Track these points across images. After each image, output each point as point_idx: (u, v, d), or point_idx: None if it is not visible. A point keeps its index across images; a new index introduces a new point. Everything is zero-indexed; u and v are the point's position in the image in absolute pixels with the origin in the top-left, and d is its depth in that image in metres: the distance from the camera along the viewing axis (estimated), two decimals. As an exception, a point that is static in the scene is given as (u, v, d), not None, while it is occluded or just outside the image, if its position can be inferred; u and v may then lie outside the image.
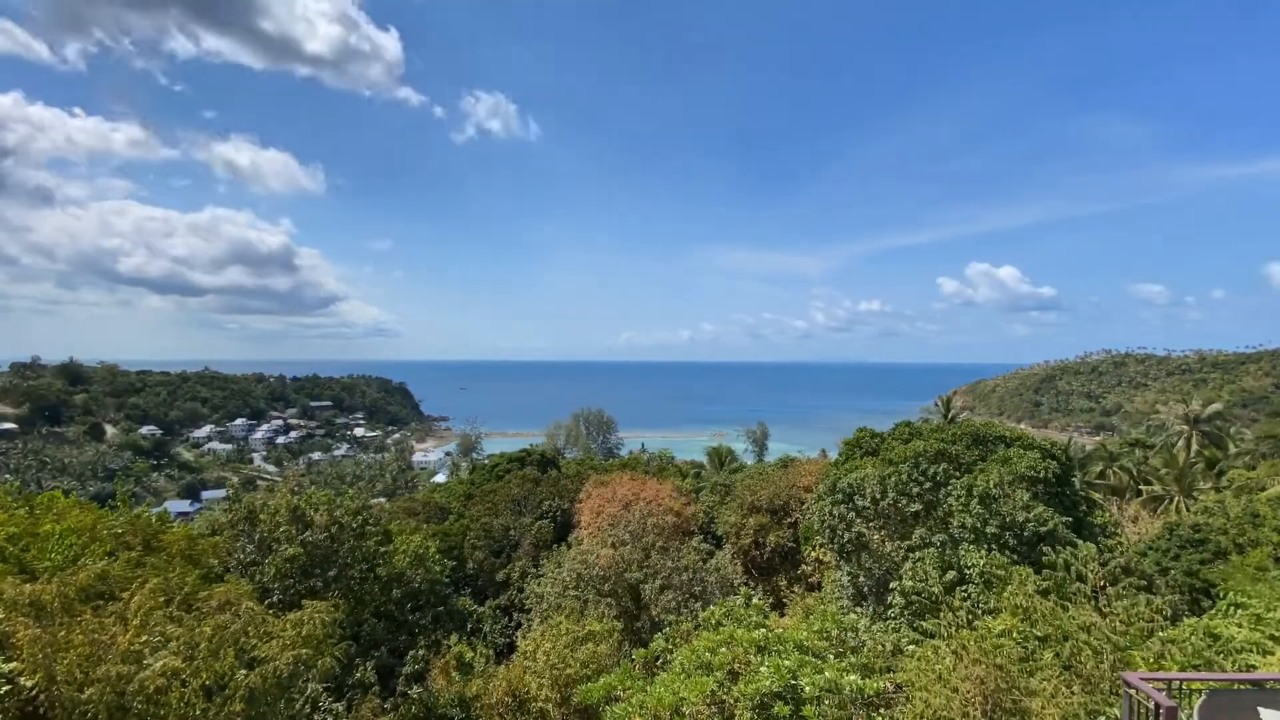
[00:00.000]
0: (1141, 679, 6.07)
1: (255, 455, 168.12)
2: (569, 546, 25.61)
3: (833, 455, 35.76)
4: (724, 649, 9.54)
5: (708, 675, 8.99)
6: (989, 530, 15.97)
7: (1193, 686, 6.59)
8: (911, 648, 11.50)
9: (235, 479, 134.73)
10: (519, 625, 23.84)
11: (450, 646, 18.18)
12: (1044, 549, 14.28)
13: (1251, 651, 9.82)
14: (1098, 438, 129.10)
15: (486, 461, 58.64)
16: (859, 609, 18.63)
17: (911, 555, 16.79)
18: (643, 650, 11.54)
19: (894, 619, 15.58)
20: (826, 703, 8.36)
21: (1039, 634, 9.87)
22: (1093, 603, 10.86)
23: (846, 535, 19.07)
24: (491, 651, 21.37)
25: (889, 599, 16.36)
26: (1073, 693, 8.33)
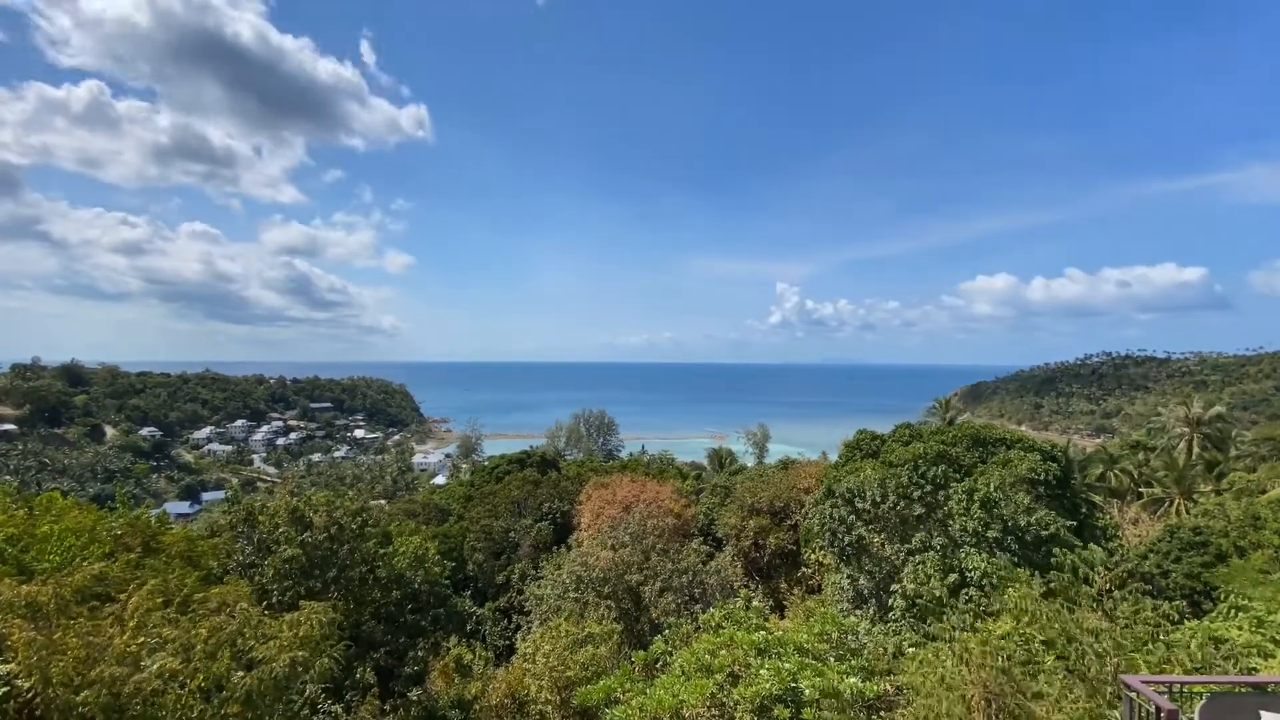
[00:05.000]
0: (1142, 682, 6.04)
1: (255, 457, 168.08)
2: (569, 548, 25.56)
3: (833, 457, 35.70)
4: (724, 651, 9.50)
5: (708, 678, 8.95)
6: (990, 533, 15.93)
7: (1194, 689, 6.55)
8: (912, 650, 11.46)
9: (235, 480, 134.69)
10: (519, 627, 23.79)
11: (450, 648, 18.14)
12: (1050, 551, 14.26)
13: (1253, 654, 9.77)
14: (1098, 440, 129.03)
15: (486, 463, 58.54)
16: (859, 611, 18.59)
17: (913, 558, 16.75)
18: (642, 652, 11.49)
19: (895, 621, 15.55)
20: (826, 705, 8.32)
21: (1042, 637, 9.83)
22: (1098, 606, 10.82)
23: (847, 538, 19.02)
24: (491, 653, 21.34)
25: (890, 601, 16.32)
26: (1076, 696, 8.29)
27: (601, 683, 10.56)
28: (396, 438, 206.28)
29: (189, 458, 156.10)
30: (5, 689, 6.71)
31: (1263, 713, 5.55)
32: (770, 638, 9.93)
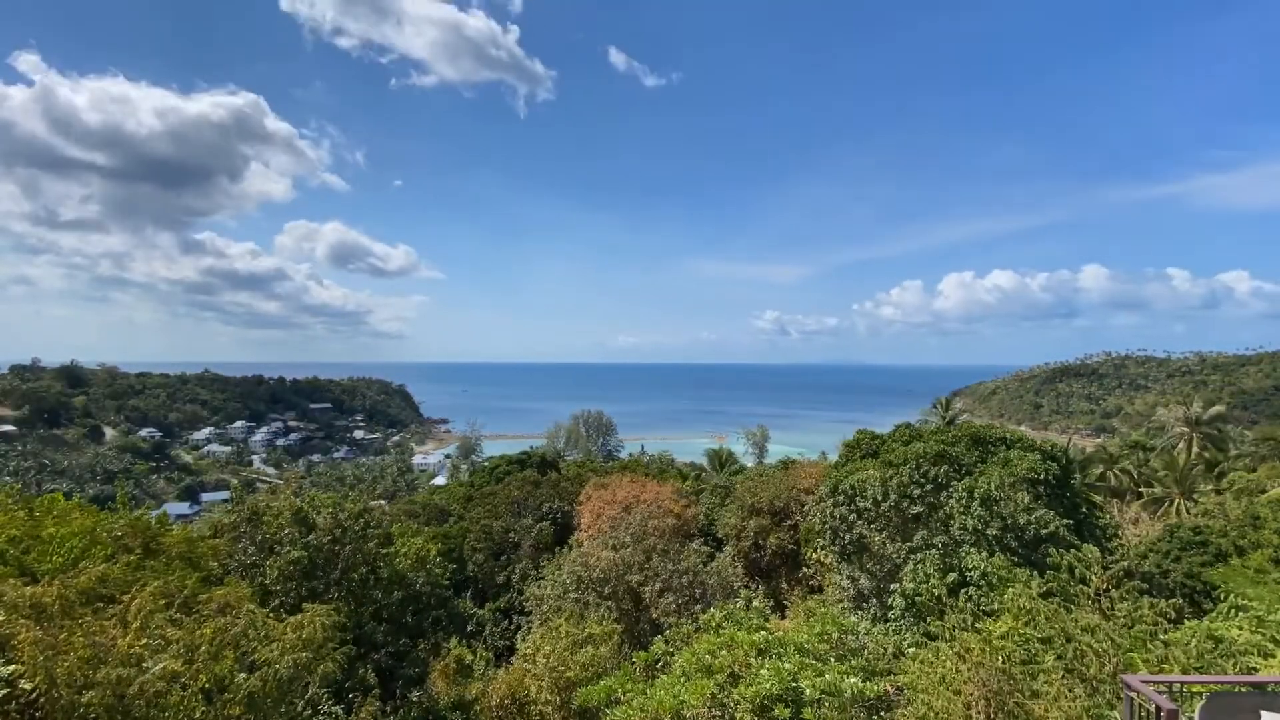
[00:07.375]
0: (1142, 681, 6.06)
1: (255, 457, 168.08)
2: (569, 549, 25.60)
3: (833, 457, 35.73)
4: (724, 651, 9.53)
5: (708, 678, 8.97)
6: (990, 532, 15.96)
7: (1194, 689, 6.58)
8: (913, 650, 11.48)
9: (236, 481, 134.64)
10: (519, 628, 23.82)
11: (450, 649, 18.15)
12: (1047, 550, 14.29)
13: (1253, 654, 9.79)
14: (1098, 440, 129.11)
15: (486, 463, 58.60)
16: (860, 611, 18.63)
17: (913, 557, 16.78)
18: (643, 653, 11.52)
19: (895, 621, 15.58)
20: (827, 705, 8.35)
21: (1041, 636, 9.86)
22: (1095, 605, 10.85)
23: (848, 537, 19.06)
24: (491, 654, 21.34)
25: (890, 601, 16.36)
26: (1075, 695, 8.32)
27: (602, 683, 10.59)
28: (396, 438, 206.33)
29: (188, 458, 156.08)
30: (7, 690, 6.73)
31: (1263, 712, 5.57)
32: (771, 638, 9.95)
